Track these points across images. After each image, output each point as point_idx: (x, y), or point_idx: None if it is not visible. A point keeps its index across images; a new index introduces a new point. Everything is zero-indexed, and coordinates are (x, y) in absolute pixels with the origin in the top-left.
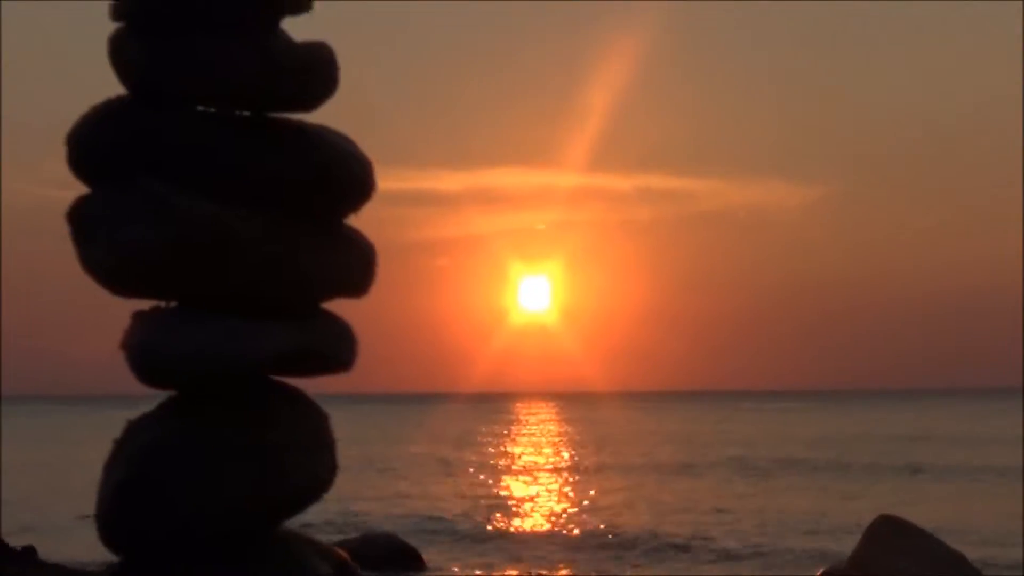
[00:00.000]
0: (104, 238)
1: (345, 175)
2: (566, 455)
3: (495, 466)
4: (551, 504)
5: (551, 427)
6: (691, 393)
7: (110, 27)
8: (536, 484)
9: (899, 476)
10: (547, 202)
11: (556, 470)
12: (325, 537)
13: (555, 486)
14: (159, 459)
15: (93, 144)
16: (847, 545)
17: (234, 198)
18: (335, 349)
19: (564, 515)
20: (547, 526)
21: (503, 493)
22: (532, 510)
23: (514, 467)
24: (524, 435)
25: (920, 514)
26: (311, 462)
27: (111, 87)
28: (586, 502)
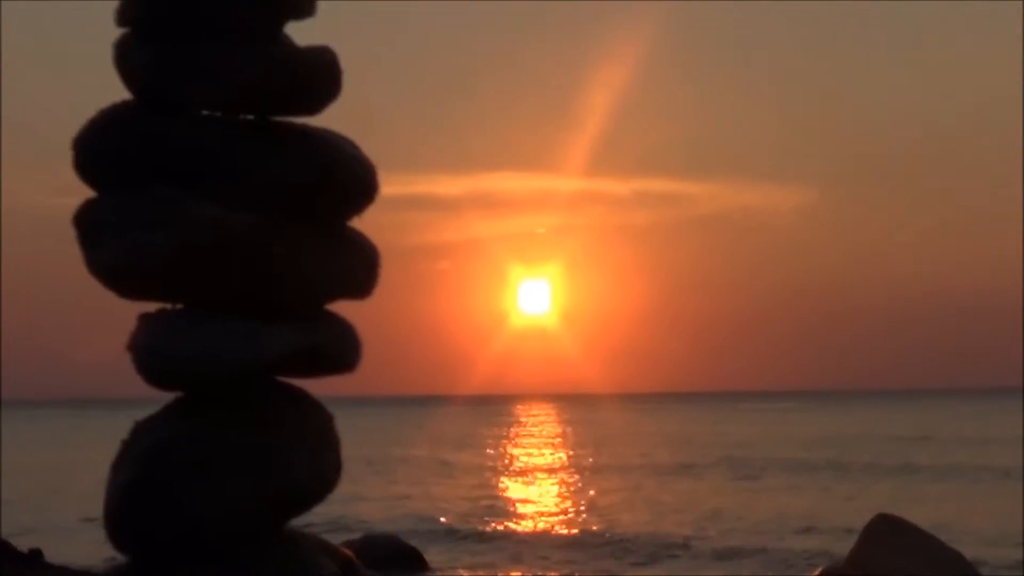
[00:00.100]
0: (110, 242)
1: (348, 178)
2: (566, 456)
3: (496, 467)
4: (551, 505)
5: (551, 428)
6: (690, 394)
7: (109, 29)
8: (536, 485)
9: (898, 476)
10: (547, 206)
11: (556, 471)
12: (326, 538)
13: (555, 487)
14: (165, 460)
15: (100, 149)
16: (845, 545)
17: (238, 201)
18: (339, 350)
19: (564, 516)
20: (547, 527)
21: (503, 494)
22: (532, 511)
23: (514, 468)
24: (524, 436)
25: (919, 514)
26: (316, 462)
27: (110, 88)
28: (586, 503)
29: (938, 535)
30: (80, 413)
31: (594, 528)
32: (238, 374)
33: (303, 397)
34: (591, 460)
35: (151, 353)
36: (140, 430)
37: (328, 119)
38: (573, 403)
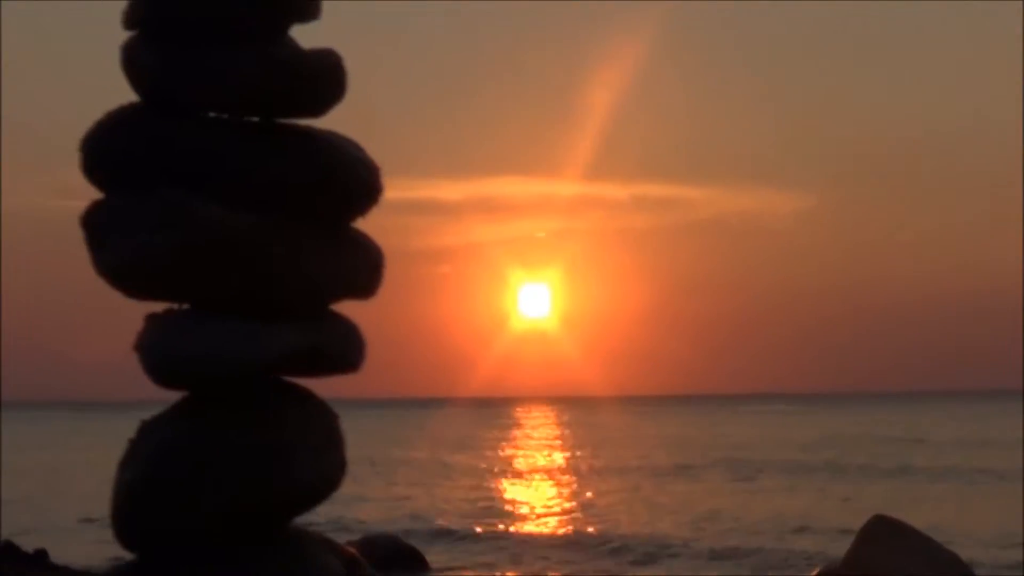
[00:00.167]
0: (117, 243)
1: (350, 179)
2: (565, 458)
3: (495, 469)
4: (550, 506)
5: (550, 431)
6: (689, 397)
7: (110, 29)
8: (535, 486)
9: (895, 478)
10: (547, 211)
11: (555, 473)
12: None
13: (554, 488)
14: (171, 459)
15: (107, 151)
16: (842, 546)
17: (240, 202)
18: (341, 350)
19: (563, 516)
20: (547, 528)
21: (503, 495)
22: (532, 512)
23: (514, 470)
24: (524, 439)
25: (916, 515)
26: (320, 461)
27: (111, 89)
28: (584, 504)
29: (935, 537)
30: (79, 415)
31: (593, 529)
32: (238, 374)
33: (308, 397)
34: (590, 462)
35: (156, 353)
36: (146, 429)
37: (330, 123)
38: (573, 406)
